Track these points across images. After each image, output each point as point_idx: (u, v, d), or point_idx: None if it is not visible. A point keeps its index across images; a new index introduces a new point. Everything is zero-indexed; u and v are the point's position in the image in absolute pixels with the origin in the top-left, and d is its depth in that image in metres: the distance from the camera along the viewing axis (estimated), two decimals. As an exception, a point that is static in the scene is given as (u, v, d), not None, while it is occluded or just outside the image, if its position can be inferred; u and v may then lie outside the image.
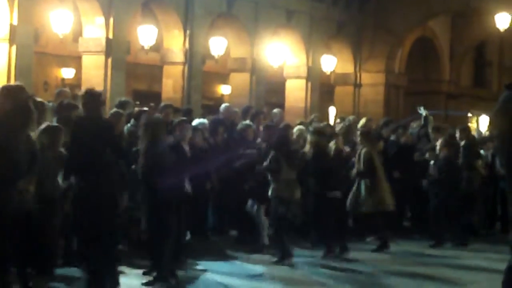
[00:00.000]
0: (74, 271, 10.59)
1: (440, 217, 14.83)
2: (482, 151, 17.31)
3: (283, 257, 12.36)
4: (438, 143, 15.25)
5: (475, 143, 16.73)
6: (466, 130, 16.80)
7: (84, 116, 9.75)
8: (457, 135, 16.44)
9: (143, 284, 10.38)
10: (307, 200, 13.15)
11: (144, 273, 10.86)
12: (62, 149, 10.34)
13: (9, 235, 8.48)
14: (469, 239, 15.17)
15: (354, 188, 13.89)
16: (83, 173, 9.39)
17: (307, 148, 13.35)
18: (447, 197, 14.79)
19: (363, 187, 13.82)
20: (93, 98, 9.73)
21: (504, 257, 13.41)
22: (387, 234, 14.09)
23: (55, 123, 10.69)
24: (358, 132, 14.50)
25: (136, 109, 13.98)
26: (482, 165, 16.60)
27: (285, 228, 12.59)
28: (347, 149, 14.47)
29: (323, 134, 13.50)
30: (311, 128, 13.95)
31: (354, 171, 14.02)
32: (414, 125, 17.93)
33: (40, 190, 10.07)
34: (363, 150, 13.93)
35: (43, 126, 10.46)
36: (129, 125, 12.87)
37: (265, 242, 13.38)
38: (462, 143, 16.07)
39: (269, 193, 12.51)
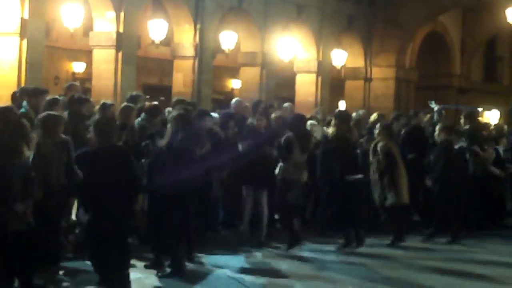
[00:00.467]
0: (83, 264, 10.64)
1: (439, 208, 14.76)
2: (499, 147, 17.28)
3: (292, 244, 12.38)
4: (437, 128, 15.15)
5: (479, 128, 16.63)
6: (471, 116, 16.69)
7: (100, 146, 9.52)
8: (462, 120, 16.41)
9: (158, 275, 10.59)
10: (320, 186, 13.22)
11: (145, 266, 10.92)
12: (63, 135, 10.39)
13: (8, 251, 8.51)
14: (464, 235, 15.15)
15: (378, 183, 13.82)
16: (98, 207, 9.33)
17: (331, 131, 13.25)
18: (446, 186, 14.64)
19: (386, 181, 13.76)
20: (109, 125, 9.66)
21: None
22: (402, 228, 14.04)
23: (56, 113, 10.69)
24: (378, 125, 14.35)
25: (147, 103, 14.00)
26: (489, 150, 16.48)
27: (293, 215, 12.60)
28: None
29: (347, 119, 13.44)
30: (335, 114, 13.85)
31: (374, 167, 13.89)
32: (425, 119, 17.84)
33: (47, 179, 10.14)
34: (380, 144, 13.80)
35: (43, 115, 10.49)
36: (139, 119, 12.89)
37: (261, 239, 13.41)
38: (466, 127, 16.04)
39: (276, 172, 12.54)
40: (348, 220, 13.03)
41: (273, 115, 14.64)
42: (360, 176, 13.09)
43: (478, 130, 16.52)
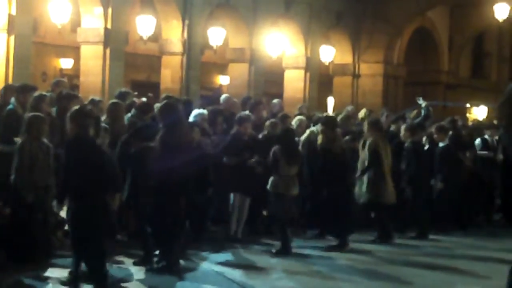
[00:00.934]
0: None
1: (417, 208, 14.82)
2: (487, 136, 17.38)
3: (284, 251, 12.38)
4: (402, 128, 15.16)
5: (461, 135, 16.66)
6: (453, 122, 16.75)
7: (75, 136, 9.38)
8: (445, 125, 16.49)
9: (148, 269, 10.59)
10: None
11: (134, 263, 10.87)
12: (46, 140, 10.37)
13: None
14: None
15: (360, 178, 13.84)
16: (78, 197, 9.26)
17: (318, 139, 13.27)
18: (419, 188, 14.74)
19: (366, 178, 13.76)
20: (86, 116, 9.52)
21: (503, 246, 13.46)
22: (389, 225, 14.05)
23: (38, 113, 10.65)
24: (366, 122, 14.35)
25: (136, 99, 13.97)
26: (470, 157, 16.57)
27: (288, 222, 12.58)
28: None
29: (333, 125, 13.41)
30: (321, 119, 13.83)
31: (360, 163, 13.90)
32: (411, 116, 17.84)
33: (31, 178, 10.13)
34: (369, 140, 13.83)
35: (27, 116, 10.47)
36: (129, 115, 12.86)
37: (238, 235, 13.41)
38: (449, 133, 16.10)
39: (268, 186, 12.54)
40: (341, 224, 13.10)
41: (267, 123, 14.42)
42: (343, 187, 13.18)
43: (461, 138, 16.55)
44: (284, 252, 12.34)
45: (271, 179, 12.50)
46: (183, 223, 10.90)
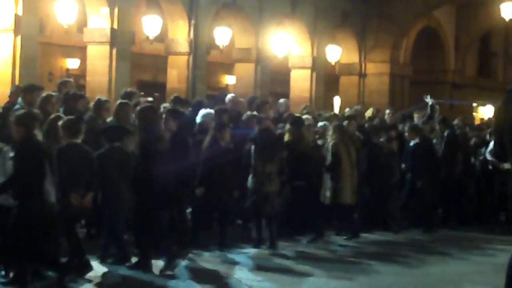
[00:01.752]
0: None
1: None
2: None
3: (259, 244, 12.67)
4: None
5: (456, 135, 16.65)
6: (445, 121, 16.74)
7: (24, 137, 9.23)
8: (437, 127, 16.47)
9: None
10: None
11: (128, 267, 10.74)
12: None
13: None
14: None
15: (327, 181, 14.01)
16: (23, 197, 9.13)
17: (285, 137, 13.52)
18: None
19: (328, 179, 13.91)
20: (31, 119, 9.37)
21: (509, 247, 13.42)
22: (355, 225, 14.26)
23: (61, 114, 10.67)
24: (331, 126, 14.46)
25: (142, 99, 13.98)
26: (461, 158, 16.54)
27: (260, 217, 12.82)
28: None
29: (299, 123, 13.55)
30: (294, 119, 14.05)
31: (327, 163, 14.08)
32: (416, 116, 17.82)
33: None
34: (331, 143, 13.96)
35: (52, 116, 10.47)
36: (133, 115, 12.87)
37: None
38: (445, 133, 16.10)
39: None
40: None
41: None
42: (301, 183, 13.34)
43: (456, 137, 16.58)
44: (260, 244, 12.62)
45: (249, 177, 12.66)
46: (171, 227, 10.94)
